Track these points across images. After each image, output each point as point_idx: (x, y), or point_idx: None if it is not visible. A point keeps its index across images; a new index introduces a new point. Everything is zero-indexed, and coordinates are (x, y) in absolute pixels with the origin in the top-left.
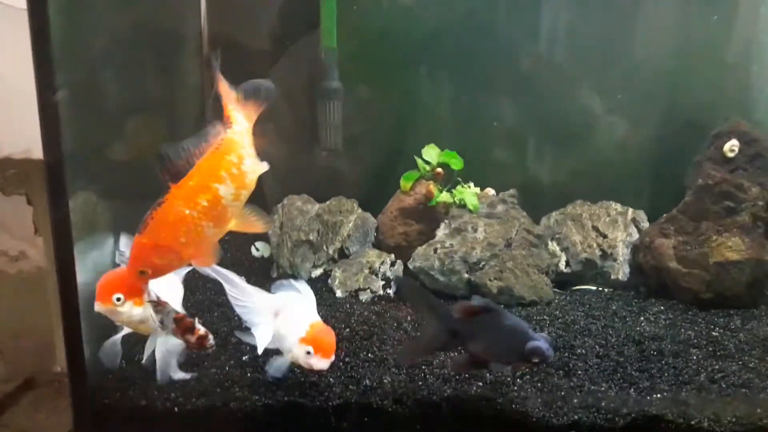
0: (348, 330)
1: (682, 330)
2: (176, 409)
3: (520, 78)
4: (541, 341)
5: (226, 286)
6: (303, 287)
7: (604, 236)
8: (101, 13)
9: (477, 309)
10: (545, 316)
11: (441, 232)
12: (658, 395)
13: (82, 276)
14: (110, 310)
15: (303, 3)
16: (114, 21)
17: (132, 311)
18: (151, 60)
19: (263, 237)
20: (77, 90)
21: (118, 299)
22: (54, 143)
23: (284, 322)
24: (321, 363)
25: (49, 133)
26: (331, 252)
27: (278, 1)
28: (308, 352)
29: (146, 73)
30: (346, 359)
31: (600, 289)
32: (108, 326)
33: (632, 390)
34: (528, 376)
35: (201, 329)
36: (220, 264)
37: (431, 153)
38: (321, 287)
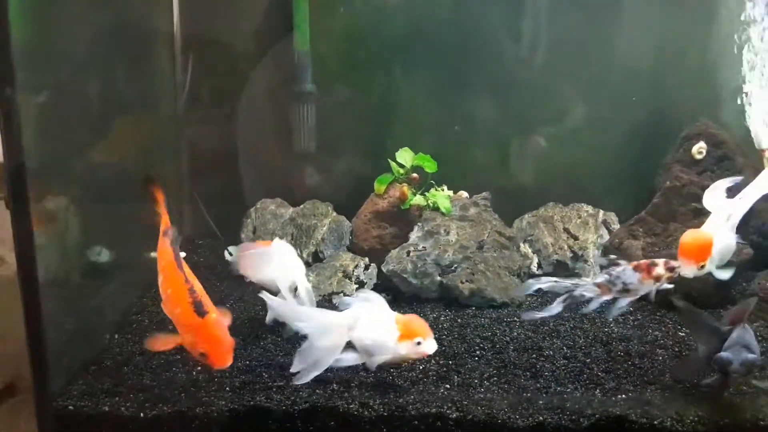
0: None
1: (650, 331)
2: (142, 414)
3: (494, 82)
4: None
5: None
6: (370, 294)
7: (575, 238)
8: (68, 10)
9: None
10: (515, 318)
11: (414, 234)
12: (623, 396)
13: None
14: None
15: (276, 5)
16: (81, 19)
17: None
18: (120, 60)
19: (237, 241)
20: (41, 91)
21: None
22: (15, 147)
23: (367, 333)
24: (432, 344)
25: (9, 137)
26: (305, 256)
27: (251, 2)
28: (418, 343)
29: (116, 74)
30: None
31: None
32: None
33: (598, 391)
34: (495, 378)
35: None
36: None
37: (405, 156)
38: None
